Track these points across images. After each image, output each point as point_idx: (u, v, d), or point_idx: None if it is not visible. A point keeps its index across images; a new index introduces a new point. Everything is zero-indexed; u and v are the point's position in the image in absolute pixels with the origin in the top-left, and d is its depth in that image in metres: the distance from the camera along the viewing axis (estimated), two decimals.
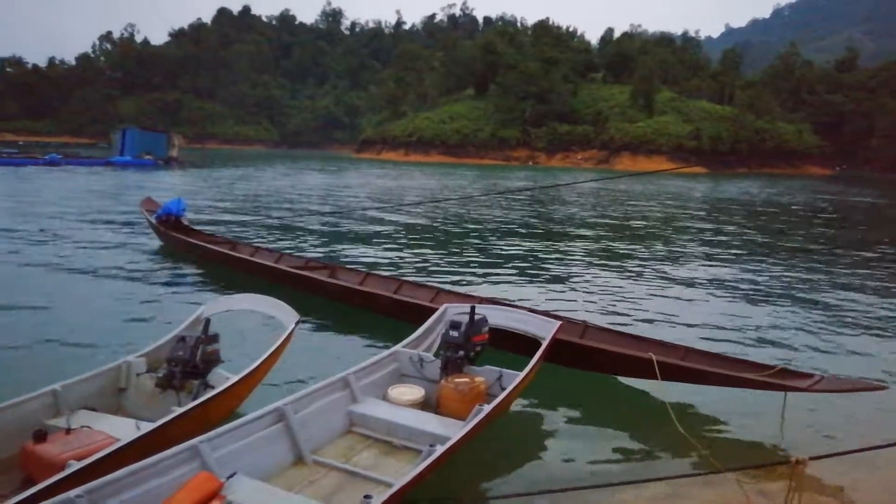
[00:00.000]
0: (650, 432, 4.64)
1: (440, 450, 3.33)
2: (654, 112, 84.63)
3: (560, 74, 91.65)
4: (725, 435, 4.72)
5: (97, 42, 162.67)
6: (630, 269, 11.09)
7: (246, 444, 3.44)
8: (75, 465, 2.96)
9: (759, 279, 10.57)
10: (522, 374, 4.42)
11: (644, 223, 19.05)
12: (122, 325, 6.76)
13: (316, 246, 12.55)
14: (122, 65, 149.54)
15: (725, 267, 11.69)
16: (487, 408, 3.87)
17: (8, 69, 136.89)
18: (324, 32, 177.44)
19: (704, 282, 10.20)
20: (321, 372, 5.29)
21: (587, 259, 12.00)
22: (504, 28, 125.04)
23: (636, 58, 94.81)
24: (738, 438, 4.66)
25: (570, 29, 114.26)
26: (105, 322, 6.85)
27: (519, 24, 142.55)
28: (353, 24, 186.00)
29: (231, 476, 3.07)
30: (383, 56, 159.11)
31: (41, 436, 3.41)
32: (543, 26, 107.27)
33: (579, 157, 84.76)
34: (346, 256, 11.30)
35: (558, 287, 9.40)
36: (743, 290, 9.68)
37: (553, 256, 12.17)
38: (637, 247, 13.90)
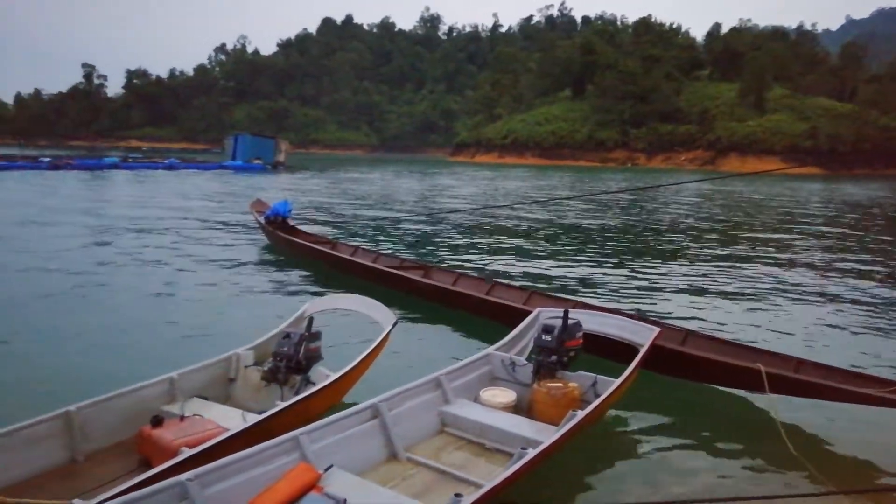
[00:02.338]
0: (755, 448, 4.37)
1: (532, 453, 3.30)
2: (766, 110, 79.98)
3: (662, 73, 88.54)
4: (839, 454, 4.37)
5: (213, 53, 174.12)
6: (736, 275, 10.52)
7: (342, 439, 3.55)
8: (187, 452, 3.16)
9: (881, 291, 9.73)
10: (618, 382, 4.29)
11: (753, 227, 18.01)
12: (231, 318, 7.19)
13: (411, 246, 12.79)
14: (235, 74, 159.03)
15: (843, 276, 10.84)
16: (581, 414, 3.79)
17: (135, 81, 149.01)
18: (422, 38, 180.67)
19: (819, 291, 9.51)
20: (414, 371, 5.38)
21: (689, 264, 11.50)
22: (603, 27, 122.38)
23: (746, 53, 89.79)
24: (853, 458, 4.30)
25: (674, 25, 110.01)
26: (216, 314, 7.31)
27: (619, 23, 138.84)
28: (451, 29, 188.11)
29: (328, 468, 3.18)
30: (479, 60, 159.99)
31: (158, 421, 3.65)
32: (645, 24, 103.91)
33: (682, 158, 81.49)
34: (440, 257, 11.44)
35: (657, 293, 9.06)
36: (863, 301, 8.93)
37: (652, 261, 11.75)
38: (745, 252, 13.17)
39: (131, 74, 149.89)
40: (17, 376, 5.17)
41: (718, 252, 13.17)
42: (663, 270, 10.82)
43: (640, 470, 4.08)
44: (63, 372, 5.26)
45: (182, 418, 3.76)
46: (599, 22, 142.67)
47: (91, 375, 5.12)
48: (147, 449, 3.58)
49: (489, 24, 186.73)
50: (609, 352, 5.27)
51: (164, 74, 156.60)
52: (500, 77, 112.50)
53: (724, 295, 8.99)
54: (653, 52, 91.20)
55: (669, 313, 7.71)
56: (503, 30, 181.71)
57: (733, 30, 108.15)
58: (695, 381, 5.26)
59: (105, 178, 31.79)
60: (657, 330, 5.04)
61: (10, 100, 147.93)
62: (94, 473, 3.48)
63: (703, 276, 10.41)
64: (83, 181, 29.35)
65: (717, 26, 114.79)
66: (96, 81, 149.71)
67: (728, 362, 4.99)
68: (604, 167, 78.03)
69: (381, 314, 5.07)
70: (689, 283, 9.80)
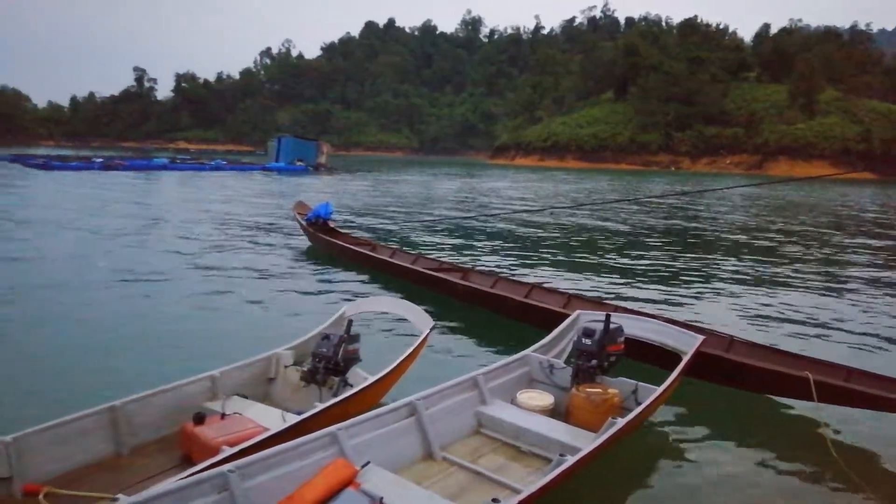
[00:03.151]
0: (801, 459, 4.23)
1: (570, 460, 3.25)
2: (816, 113, 77.52)
3: (708, 74, 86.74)
4: (889, 469, 4.19)
5: (258, 57, 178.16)
6: (782, 282, 10.23)
7: (379, 436, 3.57)
8: (228, 451, 3.22)
9: None
10: (660, 389, 4.20)
11: (802, 234, 17.48)
12: (272, 318, 7.31)
13: (449, 248, 12.81)
14: (280, 78, 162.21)
15: None
16: (621, 421, 3.71)
17: (183, 84, 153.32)
18: (463, 41, 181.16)
19: (870, 299, 9.17)
20: (450, 372, 5.39)
21: (733, 270, 11.22)
22: (647, 28, 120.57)
23: (796, 54, 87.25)
24: None
25: (721, 26, 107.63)
26: (257, 314, 7.45)
27: (664, 24, 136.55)
28: (492, 32, 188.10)
29: (365, 465, 3.20)
30: (520, 62, 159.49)
31: (200, 418, 3.74)
32: (690, 25, 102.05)
33: (728, 162, 79.62)
34: (478, 260, 11.43)
35: (700, 298, 8.87)
36: None
37: (695, 266, 11.51)
38: (793, 259, 12.79)
39: (180, 78, 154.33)
40: (64, 367, 5.36)
41: (765, 258, 12.82)
42: (706, 276, 10.59)
43: (680, 480, 3.99)
44: (107, 365, 5.43)
45: (223, 416, 3.84)
46: (644, 23, 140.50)
47: (133, 371, 5.26)
48: (189, 445, 3.67)
49: (531, 26, 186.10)
50: (651, 358, 5.18)
51: (212, 78, 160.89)
52: (540, 79, 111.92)
53: (771, 302, 8.74)
54: (698, 54, 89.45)
55: (713, 319, 7.53)
56: (545, 32, 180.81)
57: (783, 30, 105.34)
58: (739, 388, 5.12)
59: (155, 179, 32.75)
60: (701, 337, 4.92)
61: (65, 102, 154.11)
62: (138, 467, 3.58)
63: (749, 282, 10.15)
64: (134, 181, 30.30)
65: (766, 27, 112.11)
66: (147, 85, 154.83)
67: (775, 370, 4.85)
68: (646, 170, 76.78)
69: (418, 318, 5.09)
70: (733, 289, 9.56)
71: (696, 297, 8.93)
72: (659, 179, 52.52)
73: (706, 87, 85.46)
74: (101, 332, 6.36)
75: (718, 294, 9.18)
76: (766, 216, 22.42)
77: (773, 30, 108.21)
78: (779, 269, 11.42)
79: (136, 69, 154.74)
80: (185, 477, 2.88)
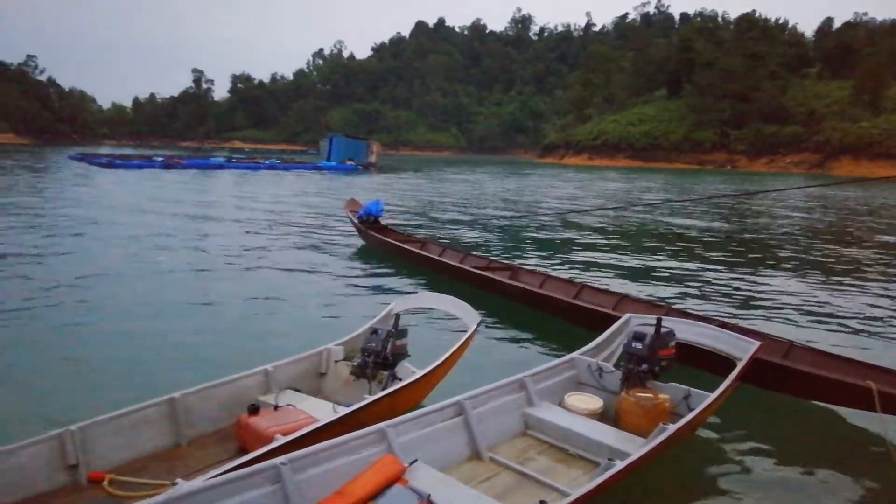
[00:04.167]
0: (861, 474, 4.05)
1: (620, 465, 3.21)
2: (882, 110, 73.96)
3: (766, 71, 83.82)
4: None
5: (311, 58, 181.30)
6: (845, 287, 9.81)
7: (427, 434, 3.60)
8: (281, 440, 3.32)
9: None
10: (714, 396, 4.08)
11: (867, 237, 16.74)
12: (324, 314, 7.45)
13: (498, 247, 12.78)
14: (331, 78, 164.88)
15: None
16: (673, 427, 3.63)
17: (239, 85, 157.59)
18: (512, 39, 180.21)
19: None
20: (497, 371, 5.38)
21: (791, 275, 10.84)
22: (703, 23, 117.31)
23: (860, 49, 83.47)
24: None
25: (781, 21, 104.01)
26: (311, 310, 7.61)
27: (720, 19, 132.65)
28: (542, 29, 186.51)
29: (413, 462, 3.24)
30: (571, 59, 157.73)
31: (255, 410, 3.86)
32: (748, 19, 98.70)
33: (787, 161, 76.83)
34: (527, 258, 11.37)
35: (757, 302, 8.60)
36: None
37: (750, 270, 11.17)
38: (855, 264, 12.26)
39: (236, 79, 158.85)
40: (126, 357, 5.59)
41: (827, 262, 12.34)
42: (764, 279, 10.26)
43: (731, 490, 3.86)
44: (164, 356, 5.64)
45: (276, 408, 3.94)
46: (699, 18, 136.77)
47: (189, 363, 5.44)
48: (244, 436, 3.77)
49: (582, 23, 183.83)
50: (704, 363, 5.05)
51: (267, 79, 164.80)
52: (591, 77, 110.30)
53: (832, 308, 8.41)
54: (756, 49, 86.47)
55: (769, 324, 7.30)
56: (596, 29, 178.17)
57: (847, 24, 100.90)
58: (797, 397, 4.95)
59: (212, 177, 33.77)
60: (758, 344, 4.75)
61: (128, 103, 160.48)
62: (196, 458, 3.70)
63: (809, 286, 9.79)
64: (193, 179, 31.32)
65: (829, 21, 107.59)
66: (204, 86, 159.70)
67: (835, 378, 4.66)
68: (701, 169, 74.85)
69: (466, 314, 5.11)
70: (792, 293, 9.24)
71: (752, 301, 8.66)
72: (715, 179, 51.11)
73: (765, 83, 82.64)
74: (161, 324, 6.60)
75: (776, 298, 8.89)
76: (828, 218, 21.57)
77: (837, 24, 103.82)
78: (841, 274, 10.97)
79: (194, 71, 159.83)
80: (241, 465, 2.97)
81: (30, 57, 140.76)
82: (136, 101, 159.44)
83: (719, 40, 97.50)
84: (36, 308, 7.04)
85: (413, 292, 7.73)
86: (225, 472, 2.87)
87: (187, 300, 7.74)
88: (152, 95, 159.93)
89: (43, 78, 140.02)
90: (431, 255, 9.58)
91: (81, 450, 3.40)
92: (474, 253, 10.14)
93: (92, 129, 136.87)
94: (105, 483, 3.32)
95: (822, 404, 4.92)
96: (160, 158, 42.93)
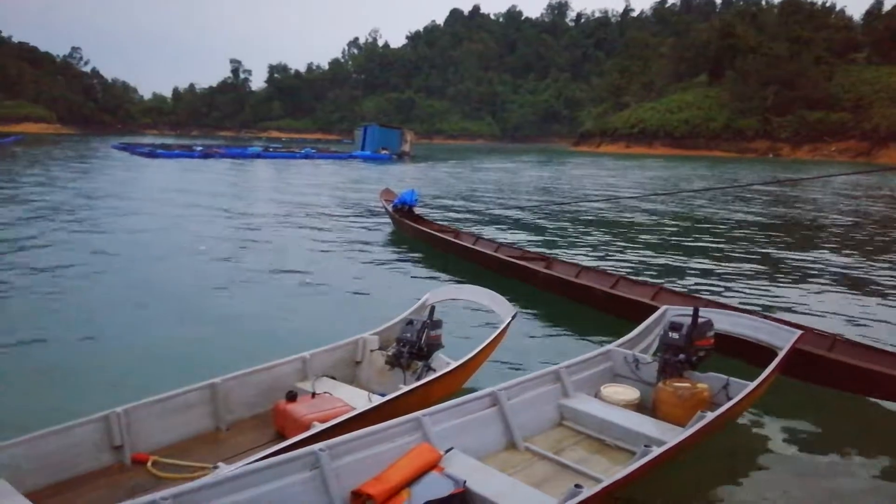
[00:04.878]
0: None
1: (657, 451, 3.19)
2: None
3: (812, 56, 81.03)
4: None
5: (346, 47, 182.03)
6: (891, 280, 9.50)
7: (462, 423, 3.62)
8: (318, 427, 3.38)
9: None
10: (753, 385, 4.02)
11: None
12: (358, 302, 7.54)
13: (532, 236, 12.71)
14: (366, 67, 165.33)
15: None
16: (712, 415, 3.59)
17: (276, 75, 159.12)
18: (548, 25, 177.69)
19: None
20: (531, 361, 5.38)
21: (837, 265, 10.52)
22: (745, 7, 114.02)
23: None
24: None
25: (827, 4, 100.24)
26: (345, 298, 7.69)
27: (763, 3, 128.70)
28: (579, 15, 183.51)
29: (449, 450, 3.27)
30: (608, 46, 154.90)
31: (292, 396, 3.94)
32: (793, 3, 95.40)
33: (833, 149, 74.38)
34: (561, 248, 11.28)
35: (798, 294, 8.37)
36: None
37: (794, 260, 10.88)
38: None
39: (273, 69, 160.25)
40: (167, 340, 5.74)
41: (872, 253, 11.94)
42: (806, 271, 9.99)
43: (770, 482, 3.81)
44: (204, 344, 5.77)
45: (313, 395, 4.01)
46: (741, 2, 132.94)
47: (228, 350, 5.57)
48: (281, 422, 3.85)
49: (619, 8, 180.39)
50: (743, 354, 4.96)
51: (303, 69, 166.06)
52: (629, 63, 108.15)
53: (877, 300, 8.15)
54: (801, 34, 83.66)
55: (811, 316, 7.12)
56: (634, 14, 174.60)
57: None
58: (839, 389, 4.83)
59: (250, 167, 34.29)
60: (798, 332, 4.66)
61: (168, 93, 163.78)
62: (235, 442, 3.79)
63: (853, 278, 9.50)
64: (231, 168, 31.87)
65: (878, 4, 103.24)
66: (242, 76, 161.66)
67: (879, 371, 4.54)
68: (742, 157, 73.03)
69: (500, 306, 5.10)
70: (834, 285, 8.98)
71: (793, 293, 8.45)
72: (756, 167, 49.84)
73: (810, 69, 79.91)
74: (197, 312, 6.76)
75: (819, 290, 8.65)
76: (875, 207, 20.84)
77: (887, 6, 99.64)
78: (888, 267, 10.61)
79: (232, 61, 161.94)
80: (280, 451, 3.03)
81: (75, 49, 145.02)
82: (175, 92, 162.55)
83: (762, 24, 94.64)
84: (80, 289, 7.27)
85: (447, 282, 7.76)
86: (264, 458, 2.93)
87: (224, 285, 7.90)
88: (192, 86, 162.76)
89: (87, 69, 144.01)
90: (465, 245, 9.58)
91: (126, 431, 3.50)
92: (508, 243, 10.10)
93: (134, 119, 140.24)
94: (149, 464, 3.43)
95: (865, 398, 4.79)
96: (199, 148, 43.74)
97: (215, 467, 3.06)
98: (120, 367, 5.13)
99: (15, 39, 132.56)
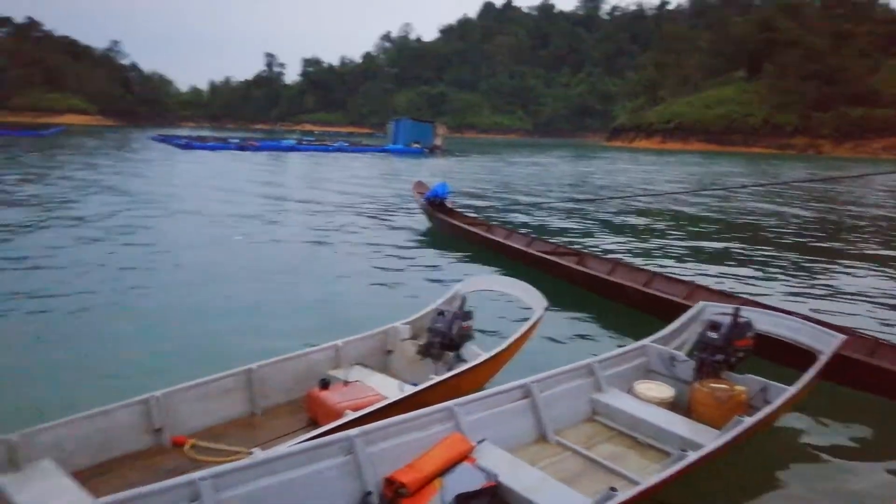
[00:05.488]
0: None
1: (693, 456, 3.14)
2: None
3: (855, 50, 78.70)
4: None
5: (378, 41, 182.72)
6: None
7: (494, 414, 3.61)
8: (351, 415, 3.41)
9: None
10: (793, 390, 3.91)
11: None
12: (390, 292, 7.59)
13: (565, 232, 12.61)
14: (398, 61, 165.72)
15: None
16: (749, 420, 3.51)
17: (309, 69, 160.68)
18: (582, 19, 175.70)
19: None
20: (563, 356, 5.33)
21: (879, 268, 10.23)
22: (786, 1, 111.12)
23: None
24: None
25: None
26: (378, 288, 7.75)
27: None
28: (614, 8, 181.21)
29: (480, 442, 3.27)
30: (643, 40, 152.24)
31: (325, 384, 3.98)
32: None
33: (876, 146, 72.16)
34: (594, 244, 11.17)
35: (840, 296, 8.15)
36: None
37: (834, 261, 10.61)
38: None
39: (306, 63, 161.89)
40: (202, 331, 5.85)
41: None
42: (847, 273, 9.73)
43: (808, 491, 3.69)
44: (239, 333, 5.86)
45: (346, 383, 4.05)
46: None
47: (265, 337, 5.65)
48: (315, 409, 3.89)
49: (656, 1, 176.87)
50: (782, 357, 4.84)
51: (336, 62, 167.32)
52: (664, 57, 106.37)
53: None
54: (844, 28, 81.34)
55: (853, 319, 6.93)
56: (670, 7, 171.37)
57: None
58: (882, 397, 4.68)
59: (285, 159, 34.69)
60: (843, 337, 4.50)
61: (205, 87, 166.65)
62: (269, 427, 3.85)
63: (894, 281, 9.22)
64: (267, 161, 32.32)
65: None
66: (276, 70, 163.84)
67: None
68: (781, 154, 71.37)
69: (532, 298, 5.05)
70: (878, 288, 8.72)
71: (834, 295, 8.23)
72: (796, 164, 48.64)
73: (852, 63, 77.65)
74: (234, 301, 6.87)
75: (861, 293, 8.41)
76: None
77: None
78: None
79: (266, 55, 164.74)
80: (314, 437, 3.07)
81: (114, 42, 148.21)
82: (212, 85, 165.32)
83: (803, 18, 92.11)
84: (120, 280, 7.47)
85: (478, 275, 7.75)
86: (299, 443, 2.98)
87: (259, 275, 8.02)
88: (227, 79, 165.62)
89: (126, 62, 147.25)
90: (497, 238, 9.55)
91: (166, 414, 3.59)
92: (541, 237, 10.04)
93: (172, 112, 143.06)
94: (187, 447, 3.50)
95: None
96: (235, 141, 44.41)
97: (250, 452, 3.12)
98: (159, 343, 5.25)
99: (57, 33, 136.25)
